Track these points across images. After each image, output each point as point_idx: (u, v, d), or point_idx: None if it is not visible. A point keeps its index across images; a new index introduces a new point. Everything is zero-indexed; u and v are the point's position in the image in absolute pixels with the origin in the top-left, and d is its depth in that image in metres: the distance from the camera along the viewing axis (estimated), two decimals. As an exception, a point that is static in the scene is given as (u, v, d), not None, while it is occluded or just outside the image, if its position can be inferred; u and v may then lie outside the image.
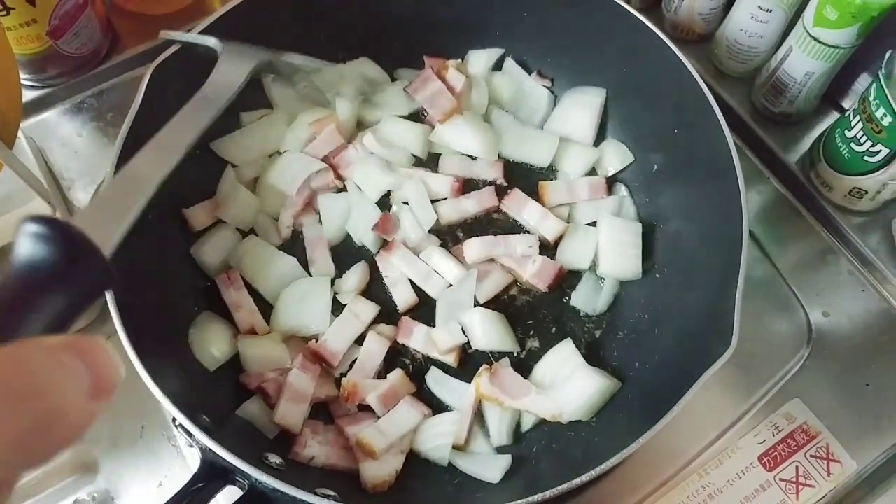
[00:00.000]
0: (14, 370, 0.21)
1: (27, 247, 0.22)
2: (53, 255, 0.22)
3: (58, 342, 0.22)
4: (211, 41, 0.61)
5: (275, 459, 0.55)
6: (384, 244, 0.68)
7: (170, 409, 0.50)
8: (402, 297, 0.66)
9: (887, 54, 0.60)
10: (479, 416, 0.62)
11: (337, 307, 0.65)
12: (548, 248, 0.69)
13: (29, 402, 0.21)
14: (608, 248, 0.67)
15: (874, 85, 0.61)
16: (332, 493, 0.51)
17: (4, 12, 0.67)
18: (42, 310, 0.22)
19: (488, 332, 0.63)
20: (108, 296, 0.53)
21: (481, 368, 0.62)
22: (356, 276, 0.66)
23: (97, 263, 0.23)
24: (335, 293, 0.66)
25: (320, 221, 0.69)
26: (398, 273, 0.67)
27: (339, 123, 0.71)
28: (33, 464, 0.22)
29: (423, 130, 0.71)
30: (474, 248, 0.67)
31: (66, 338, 0.24)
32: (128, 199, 0.37)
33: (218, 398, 0.60)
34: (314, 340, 0.63)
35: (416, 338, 0.64)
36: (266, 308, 0.66)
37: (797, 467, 0.63)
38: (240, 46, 0.60)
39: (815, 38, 0.65)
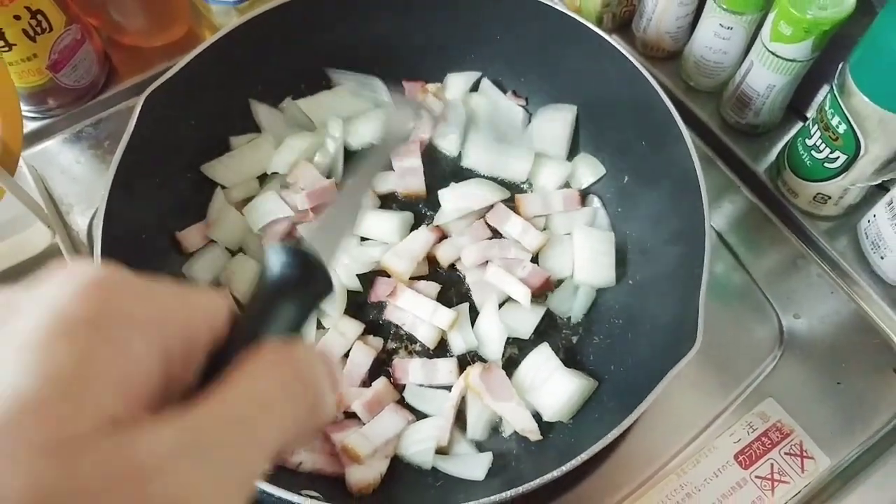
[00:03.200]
0: (299, 368, 0.26)
1: (276, 266, 0.28)
2: (297, 273, 0.28)
3: (316, 349, 0.28)
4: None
5: (262, 465, 0.57)
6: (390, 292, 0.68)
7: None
8: (429, 336, 0.67)
9: (839, 66, 0.63)
10: (459, 419, 0.64)
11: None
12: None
13: (308, 393, 0.26)
14: (583, 257, 0.70)
15: (829, 95, 0.65)
16: (316, 493, 0.53)
17: (6, 48, 0.70)
18: (287, 314, 0.28)
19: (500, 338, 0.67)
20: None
21: (477, 363, 0.65)
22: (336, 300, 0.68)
23: (326, 279, 0.29)
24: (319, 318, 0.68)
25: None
26: (411, 317, 0.67)
27: (318, 161, 0.74)
28: (303, 444, 0.28)
29: (401, 219, 0.71)
30: (472, 254, 0.69)
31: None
32: (342, 222, 0.41)
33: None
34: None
35: (413, 373, 0.65)
36: (255, 323, 0.68)
37: (772, 465, 0.65)
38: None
39: (773, 53, 0.68)
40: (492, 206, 0.73)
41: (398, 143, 0.53)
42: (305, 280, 0.29)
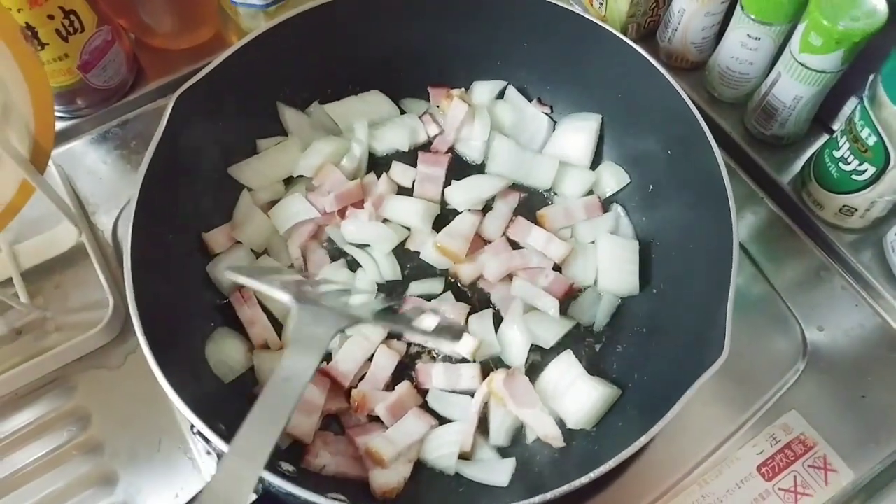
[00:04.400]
0: None
1: None
2: None
3: None
4: (285, 298, 0.53)
5: (287, 467, 0.58)
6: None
7: (189, 416, 0.53)
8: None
9: (870, 78, 0.63)
10: (481, 425, 0.64)
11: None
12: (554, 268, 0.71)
13: None
14: (607, 265, 0.70)
15: (859, 107, 0.65)
16: (342, 497, 0.53)
17: (39, 47, 0.71)
18: None
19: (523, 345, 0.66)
20: (133, 312, 0.56)
21: (500, 368, 0.65)
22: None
23: None
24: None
25: (324, 249, 0.73)
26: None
27: (345, 164, 0.74)
28: None
29: (426, 206, 0.72)
30: (494, 267, 0.69)
31: None
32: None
33: (233, 409, 0.61)
34: (325, 362, 0.66)
35: (436, 377, 0.66)
36: (279, 323, 0.69)
37: (795, 477, 0.64)
38: (314, 309, 0.52)
39: (801, 64, 0.68)
40: (512, 220, 0.73)
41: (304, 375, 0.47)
42: None
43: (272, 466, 0.56)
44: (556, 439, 0.62)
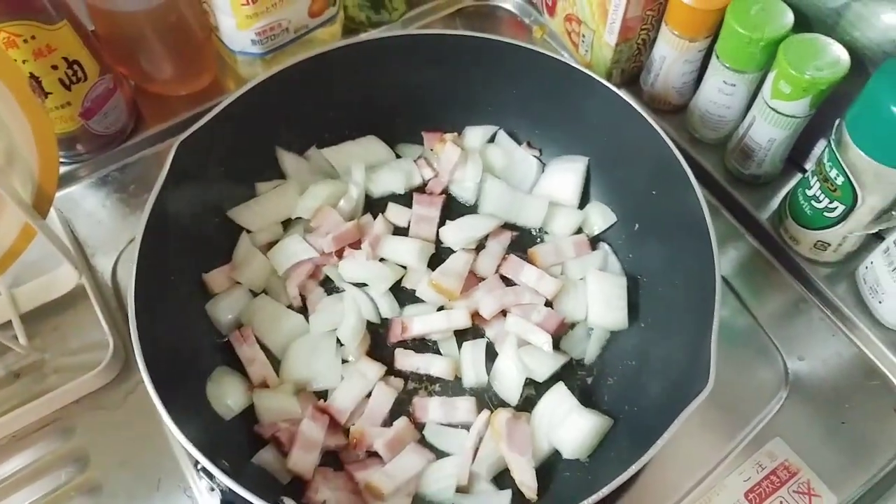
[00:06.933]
0: None
1: None
2: None
3: None
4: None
5: (290, 502, 0.59)
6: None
7: (193, 453, 0.54)
8: (444, 369, 0.69)
9: (836, 122, 0.67)
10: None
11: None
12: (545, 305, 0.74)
13: None
14: (596, 300, 0.72)
15: (827, 149, 0.69)
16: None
17: (43, 96, 0.73)
18: None
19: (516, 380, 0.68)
20: (137, 353, 0.58)
21: (505, 407, 0.68)
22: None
23: None
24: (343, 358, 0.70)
25: (322, 288, 0.75)
26: (422, 359, 0.70)
27: (342, 206, 0.76)
28: None
29: (421, 246, 0.75)
30: (488, 303, 0.71)
31: None
32: None
33: (234, 446, 0.64)
34: (323, 399, 0.68)
35: (433, 411, 0.67)
36: (277, 361, 0.70)
37: (781, 502, 0.67)
38: None
39: (773, 109, 0.72)
40: (505, 258, 0.76)
41: None
42: None
43: (275, 502, 0.57)
44: (530, 490, 0.62)
